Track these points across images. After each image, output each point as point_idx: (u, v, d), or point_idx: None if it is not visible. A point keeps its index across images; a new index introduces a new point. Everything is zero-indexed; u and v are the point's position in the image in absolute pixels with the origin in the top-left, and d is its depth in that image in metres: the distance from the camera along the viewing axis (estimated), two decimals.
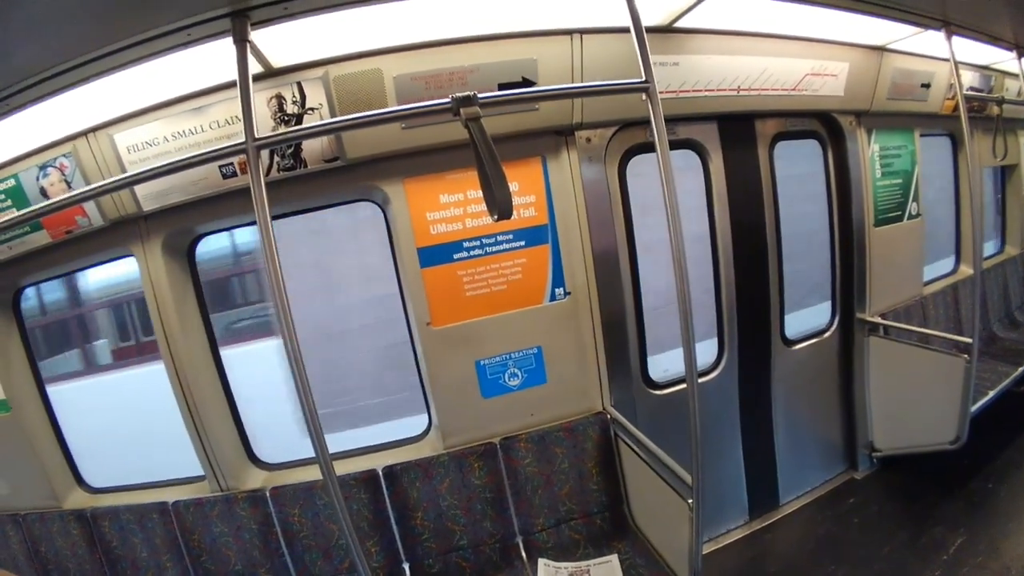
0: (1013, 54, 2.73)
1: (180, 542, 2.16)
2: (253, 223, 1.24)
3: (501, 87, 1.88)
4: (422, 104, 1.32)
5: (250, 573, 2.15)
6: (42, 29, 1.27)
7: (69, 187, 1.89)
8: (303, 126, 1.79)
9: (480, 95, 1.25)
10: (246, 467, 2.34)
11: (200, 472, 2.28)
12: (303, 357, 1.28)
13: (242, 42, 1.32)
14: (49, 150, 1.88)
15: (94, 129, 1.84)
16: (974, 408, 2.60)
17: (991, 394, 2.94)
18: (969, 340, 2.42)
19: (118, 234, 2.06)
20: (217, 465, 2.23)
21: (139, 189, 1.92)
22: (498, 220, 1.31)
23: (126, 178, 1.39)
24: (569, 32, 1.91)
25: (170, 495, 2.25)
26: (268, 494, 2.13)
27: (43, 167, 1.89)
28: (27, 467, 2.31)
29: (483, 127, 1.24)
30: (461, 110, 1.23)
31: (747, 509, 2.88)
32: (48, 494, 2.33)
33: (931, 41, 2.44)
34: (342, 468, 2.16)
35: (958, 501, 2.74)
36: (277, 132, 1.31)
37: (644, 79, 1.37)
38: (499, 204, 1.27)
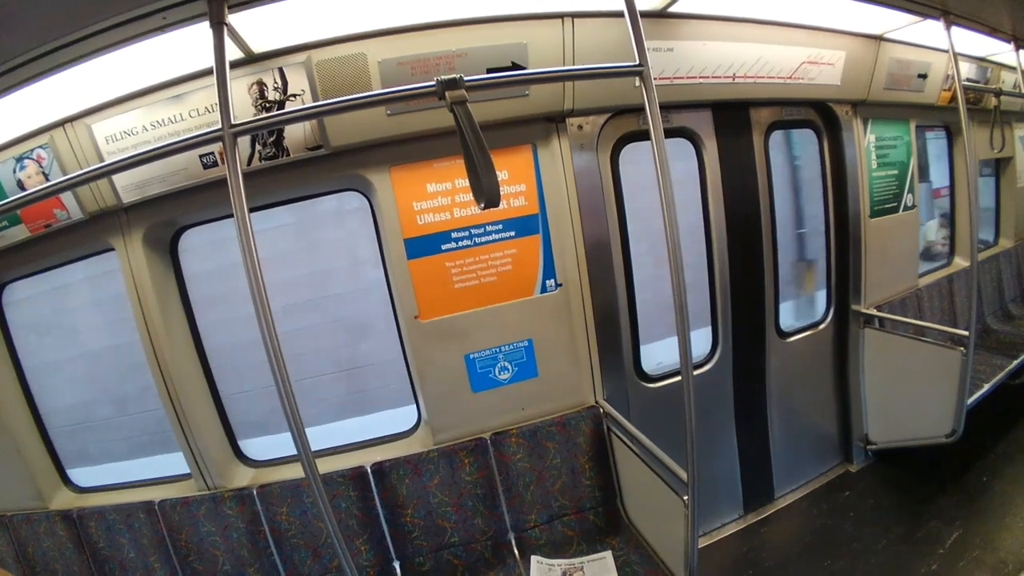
0: (1010, 46, 2.70)
1: (167, 542, 2.12)
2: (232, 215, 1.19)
3: (490, 72, 1.83)
4: (406, 87, 1.26)
5: (238, 573, 2.11)
6: (11, 14, 1.21)
7: (47, 179, 1.84)
8: (282, 111, 1.73)
9: (467, 78, 1.20)
10: (233, 465, 2.30)
11: (186, 470, 2.24)
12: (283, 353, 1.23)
13: (219, 25, 1.27)
14: (25, 141, 1.83)
15: (71, 119, 1.79)
16: (969, 401, 2.58)
17: (986, 387, 2.93)
18: (965, 333, 2.40)
19: (98, 227, 2.01)
20: (203, 463, 2.19)
21: (118, 180, 1.88)
22: (485, 208, 1.26)
23: (104, 167, 1.34)
24: (561, 16, 1.85)
25: (156, 494, 2.21)
26: (255, 492, 2.10)
27: (20, 159, 1.84)
28: (12, 467, 2.27)
29: (470, 111, 1.19)
30: (447, 93, 1.18)
31: (742, 503, 2.86)
32: (34, 494, 2.29)
33: (928, 31, 2.41)
34: (330, 465, 2.12)
35: (954, 494, 2.73)
36: (255, 118, 1.26)
37: (638, 62, 1.33)
38: (486, 192, 1.23)
